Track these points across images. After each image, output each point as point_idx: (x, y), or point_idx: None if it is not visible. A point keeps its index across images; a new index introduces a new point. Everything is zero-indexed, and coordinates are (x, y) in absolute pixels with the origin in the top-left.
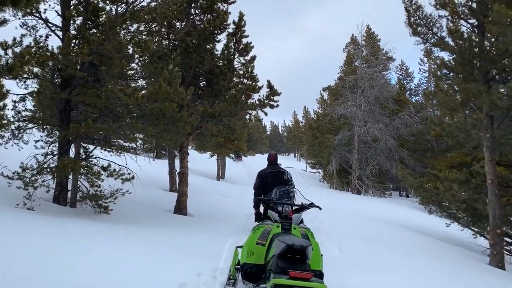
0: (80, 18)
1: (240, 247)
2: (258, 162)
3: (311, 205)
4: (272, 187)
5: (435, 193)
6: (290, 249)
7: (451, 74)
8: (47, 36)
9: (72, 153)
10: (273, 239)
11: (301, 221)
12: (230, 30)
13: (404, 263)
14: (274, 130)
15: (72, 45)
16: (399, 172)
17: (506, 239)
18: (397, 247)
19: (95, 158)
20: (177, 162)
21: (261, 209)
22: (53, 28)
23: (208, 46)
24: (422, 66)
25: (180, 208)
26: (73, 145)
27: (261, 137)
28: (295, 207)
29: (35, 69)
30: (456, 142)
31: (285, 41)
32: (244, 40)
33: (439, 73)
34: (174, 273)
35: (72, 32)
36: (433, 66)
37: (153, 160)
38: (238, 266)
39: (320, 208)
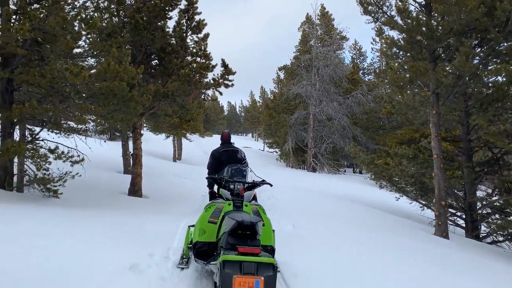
0: None
1: (193, 226)
2: (215, 142)
3: (263, 182)
4: (225, 166)
5: (385, 168)
6: (240, 226)
7: (401, 52)
8: None
9: (16, 135)
10: (225, 216)
11: (254, 198)
12: (182, 6)
13: (354, 236)
14: (232, 111)
15: (12, 21)
16: (352, 149)
17: (450, 210)
18: (349, 222)
19: (42, 140)
20: (130, 144)
21: (215, 188)
22: None
23: (159, 23)
24: (374, 45)
25: (135, 190)
26: (17, 127)
27: (218, 118)
28: (247, 185)
29: None
30: (405, 119)
31: (241, 20)
32: (197, 17)
33: (389, 52)
34: (125, 255)
35: (12, 7)
36: (384, 45)
37: (105, 142)
38: (191, 245)
39: (271, 185)
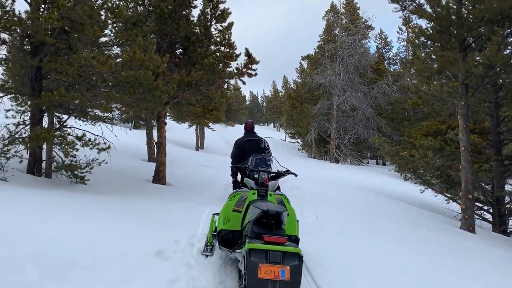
0: None
1: (217, 214)
2: (237, 132)
3: (287, 172)
4: (249, 155)
5: (410, 160)
6: (265, 215)
7: (429, 42)
8: (13, 0)
9: (45, 123)
10: (249, 205)
11: (278, 188)
12: None
13: (378, 227)
14: (254, 100)
15: (41, 10)
16: (376, 140)
17: (477, 204)
18: (373, 213)
19: (69, 127)
20: (155, 132)
21: (239, 177)
22: None
23: (184, 12)
24: (400, 35)
25: (159, 177)
26: (46, 115)
27: (240, 107)
28: (271, 175)
29: (2, 35)
30: (432, 111)
31: (265, 9)
32: (221, 6)
33: (416, 42)
34: (151, 241)
35: None
36: (411, 34)
37: (130, 130)
38: (215, 233)
39: (296, 175)
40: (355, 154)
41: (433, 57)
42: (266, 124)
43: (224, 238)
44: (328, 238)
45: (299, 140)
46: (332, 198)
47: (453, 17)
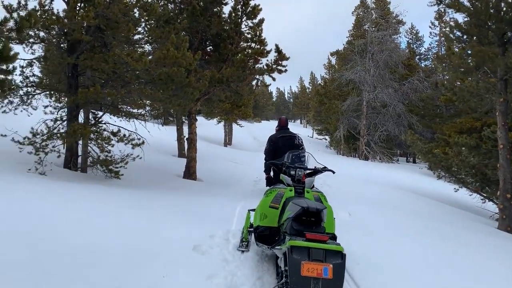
0: None
1: (253, 210)
2: (264, 128)
3: (324, 169)
4: (283, 152)
5: (444, 158)
6: (305, 212)
7: (464, 37)
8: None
9: (81, 118)
10: (286, 202)
11: (313, 186)
12: None
13: (411, 226)
14: (280, 97)
15: (77, 8)
16: (409, 137)
17: None
18: (405, 211)
19: (104, 123)
20: (185, 128)
21: (271, 173)
22: None
23: (215, 9)
24: (433, 29)
25: (190, 173)
26: (81, 111)
27: (267, 104)
28: (308, 171)
29: (41, 34)
30: (467, 107)
31: (295, 3)
32: (252, 3)
33: (451, 36)
34: (187, 235)
35: None
36: (444, 29)
37: (163, 126)
38: (251, 229)
39: (334, 172)
40: (385, 152)
41: (469, 52)
42: (292, 121)
43: (261, 235)
44: (361, 236)
45: (326, 137)
46: (363, 196)
47: (492, 11)
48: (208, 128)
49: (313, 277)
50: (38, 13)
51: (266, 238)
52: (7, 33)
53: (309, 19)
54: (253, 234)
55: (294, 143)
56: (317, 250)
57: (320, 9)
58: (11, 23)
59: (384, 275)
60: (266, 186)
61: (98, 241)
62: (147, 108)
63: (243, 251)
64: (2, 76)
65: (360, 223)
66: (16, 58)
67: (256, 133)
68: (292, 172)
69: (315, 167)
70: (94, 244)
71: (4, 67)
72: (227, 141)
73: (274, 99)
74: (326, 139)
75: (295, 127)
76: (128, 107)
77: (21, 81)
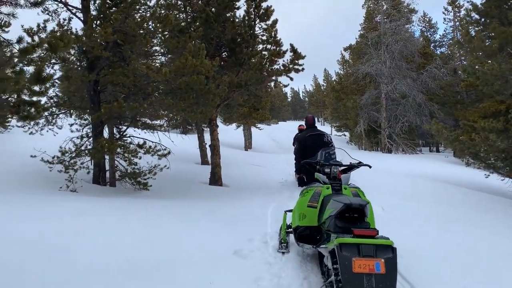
0: None
1: (290, 211)
2: (282, 129)
3: (360, 164)
4: (312, 150)
5: (471, 144)
6: (348, 209)
7: (483, 19)
8: (69, 19)
9: (105, 133)
10: (325, 200)
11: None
12: None
13: (449, 217)
14: (295, 96)
15: (94, 25)
16: (434, 126)
17: None
18: (440, 202)
19: (128, 137)
20: (205, 136)
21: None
22: (73, 11)
23: (228, 14)
24: (446, 15)
25: (215, 179)
26: (105, 126)
27: (282, 105)
28: (343, 168)
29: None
30: (492, 91)
31: (303, 3)
32: (264, 5)
33: (468, 19)
34: (227, 241)
35: (93, 12)
36: (458, 14)
37: (185, 135)
38: (289, 230)
39: (370, 166)
40: (408, 143)
41: (491, 34)
42: None
43: (302, 235)
44: (398, 230)
45: (345, 133)
46: (394, 189)
47: None
48: (228, 133)
49: (366, 273)
50: (58, 33)
51: (307, 237)
52: (42, 53)
53: (316, 16)
54: (293, 234)
55: (323, 141)
56: (367, 246)
57: (332, 6)
58: (45, 45)
59: (435, 267)
60: (299, 186)
61: (142, 254)
62: (165, 118)
63: (283, 253)
64: (35, 98)
65: (394, 215)
66: (50, 79)
67: (275, 134)
68: (327, 170)
69: (350, 162)
70: (138, 257)
71: (37, 88)
72: (248, 145)
73: (289, 100)
74: (345, 135)
75: None
76: (147, 119)
77: (45, 102)
